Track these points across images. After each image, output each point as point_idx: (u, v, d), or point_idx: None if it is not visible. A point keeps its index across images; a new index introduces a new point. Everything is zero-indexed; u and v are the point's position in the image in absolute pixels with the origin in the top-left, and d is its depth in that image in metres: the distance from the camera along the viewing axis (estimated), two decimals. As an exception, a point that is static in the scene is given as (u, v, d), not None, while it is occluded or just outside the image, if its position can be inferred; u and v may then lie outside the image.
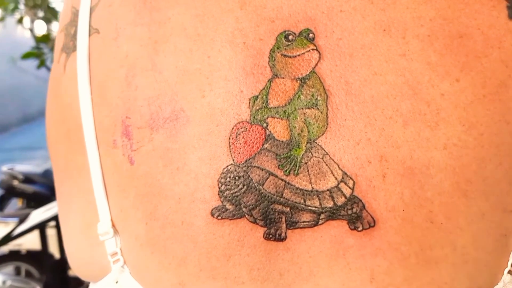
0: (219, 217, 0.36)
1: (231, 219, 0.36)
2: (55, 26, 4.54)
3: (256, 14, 0.36)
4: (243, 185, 0.35)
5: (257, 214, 0.35)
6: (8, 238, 2.82)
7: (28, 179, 4.09)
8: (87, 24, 0.46)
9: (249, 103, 0.35)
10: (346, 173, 0.34)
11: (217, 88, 0.36)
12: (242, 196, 0.35)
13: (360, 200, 0.34)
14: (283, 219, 0.35)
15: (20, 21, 4.50)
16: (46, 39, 4.25)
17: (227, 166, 0.35)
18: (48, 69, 4.36)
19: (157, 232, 0.39)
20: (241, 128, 0.35)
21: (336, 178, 0.34)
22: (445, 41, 0.34)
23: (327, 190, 0.34)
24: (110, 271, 0.43)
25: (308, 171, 0.34)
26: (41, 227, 2.91)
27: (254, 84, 0.35)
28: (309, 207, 0.34)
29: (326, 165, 0.34)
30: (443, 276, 0.34)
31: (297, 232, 0.35)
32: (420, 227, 0.34)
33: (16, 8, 4.46)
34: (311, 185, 0.34)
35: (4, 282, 2.94)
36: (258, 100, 0.35)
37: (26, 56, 3.47)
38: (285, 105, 0.35)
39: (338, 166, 0.34)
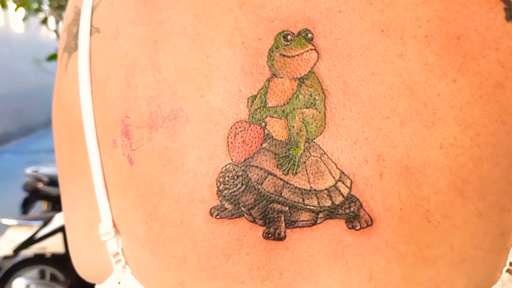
0: (218, 217, 0.36)
1: (230, 219, 0.36)
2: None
3: (255, 14, 0.37)
4: (242, 185, 0.35)
5: (256, 214, 0.35)
6: (31, 240, 2.86)
7: (53, 181, 4.12)
8: (89, 24, 0.46)
9: (248, 102, 0.35)
10: (343, 172, 0.34)
11: (216, 87, 0.36)
12: (241, 196, 0.35)
13: (358, 199, 0.34)
14: (282, 218, 0.35)
15: (44, 21, 4.54)
16: (71, 40, 4.28)
17: (226, 165, 0.36)
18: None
19: (156, 232, 0.39)
20: (240, 127, 0.35)
21: (334, 177, 0.34)
22: (442, 42, 0.34)
23: (325, 189, 0.34)
24: (113, 271, 0.43)
25: (306, 170, 0.34)
26: (64, 230, 2.92)
27: (252, 83, 0.36)
28: (308, 206, 0.34)
29: (324, 164, 0.34)
30: (441, 274, 0.34)
31: (296, 231, 0.35)
32: (418, 226, 0.34)
33: (39, 8, 4.50)
34: (310, 184, 0.34)
35: (27, 286, 2.96)
36: (256, 99, 0.35)
37: (52, 57, 3.51)
38: (284, 104, 0.35)
39: (336, 166, 0.34)
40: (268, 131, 0.35)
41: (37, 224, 3.03)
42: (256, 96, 0.35)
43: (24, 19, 4.64)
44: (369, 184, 0.34)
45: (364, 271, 0.35)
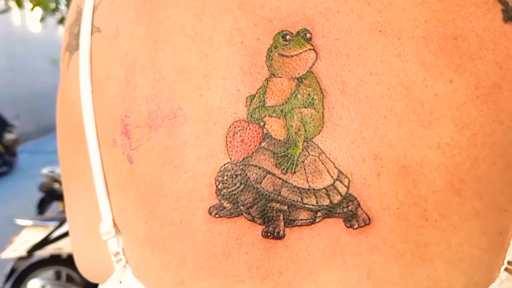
0: (216, 216, 0.36)
1: (229, 218, 0.36)
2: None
3: (254, 13, 0.37)
4: (241, 184, 0.35)
5: (255, 212, 0.35)
6: (46, 241, 2.87)
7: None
8: (90, 23, 0.47)
9: (247, 102, 0.36)
10: (341, 172, 0.34)
11: (215, 86, 0.37)
12: (240, 195, 0.35)
13: (355, 198, 0.34)
14: (281, 217, 0.35)
15: (61, 21, 4.56)
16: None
17: (225, 164, 0.36)
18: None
19: (156, 231, 0.39)
20: (238, 126, 0.36)
21: (332, 177, 0.34)
22: (439, 42, 0.34)
23: (324, 188, 0.34)
24: (114, 271, 0.43)
25: (305, 169, 0.34)
26: None
27: (251, 83, 0.36)
28: (306, 205, 0.35)
29: (322, 163, 0.34)
30: (438, 273, 0.34)
31: (295, 230, 0.35)
32: (415, 225, 0.34)
33: (57, 8, 4.53)
34: (308, 183, 0.35)
35: (43, 287, 2.98)
36: (255, 99, 0.35)
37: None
38: (282, 104, 0.35)
39: (334, 165, 0.34)
40: (267, 130, 0.35)
41: (52, 225, 3.04)
42: (255, 95, 0.36)
43: (42, 19, 4.67)
44: (366, 183, 0.34)
45: (362, 270, 0.35)
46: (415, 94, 0.34)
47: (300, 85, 0.35)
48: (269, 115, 0.35)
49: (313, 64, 0.35)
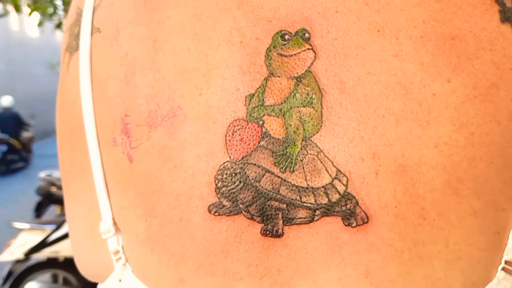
0: (216, 214, 0.36)
1: (228, 216, 0.36)
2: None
3: (253, 13, 0.37)
4: (240, 182, 0.36)
5: (254, 211, 0.36)
6: (43, 244, 2.87)
7: (66, 185, 4.14)
8: (90, 24, 0.47)
9: (246, 101, 0.36)
10: (340, 170, 0.34)
11: (214, 86, 0.37)
12: (239, 193, 0.36)
13: (354, 197, 0.34)
14: (280, 216, 0.35)
15: (58, 26, 4.57)
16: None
17: (224, 163, 0.36)
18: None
19: (156, 229, 0.39)
20: (238, 125, 0.36)
21: (330, 175, 0.34)
22: (437, 42, 0.34)
23: (322, 186, 0.35)
24: (114, 270, 0.44)
25: (303, 168, 0.35)
26: None
27: (250, 82, 0.36)
28: (305, 204, 0.35)
29: (321, 162, 0.34)
30: (436, 272, 0.34)
31: (293, 228, 0.36)
32: (413, 223, 0.34)
33: (54, 13, 4.54)
34: (307, 182, 0.35)
35: (39, 291, 2.98)
36: (254, 98, 0.36)
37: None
38: (281, 103, 0.35)
39: (332, 163, 0.34)
40: (266, 129, 0.35)
41: (49, 228, 3.04)
42: (254, 94, 0.36)
43: (39, 24, 4.69)
44: (365, 182, 0.34)
45: (360, 268, 0.35)
46: (413, 94, 0.34)
47: (298, 85, 0.35)
48: (268, 114, 0.35)
49: (312, 63, 0.35)
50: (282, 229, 0.36)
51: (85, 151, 0.46)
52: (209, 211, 0.37)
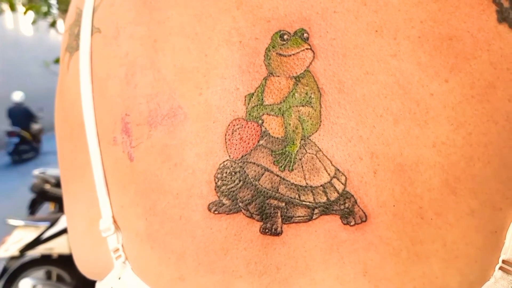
0: (216, 212, 0.37)
1: (227, 214, 0.37)
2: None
3: (252, 14, 0.37)
4: (239, 181, 0.36)
5: (253, 209, 0.36)
6: (37, 241, 2.87)
7: (60, 183, 4.14)
8: (90, 24, 0.47)
9: (245, 100, 0.36)
10: (338, 169, 0.35)
11: (214, 85, 0.37)
12: (239, 191, 0.36)
13: (352, 196, 0.34)
14: (279, 214, 0.36)
15: (52, 24, 4.57)
16: (79, 43, 4.30)
17: (224, 161, 0.36)
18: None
19: (156, 227, 0.40)
20: (237, 124, 0.36)
21: (329, 174, 0.35)
22: (435, 42, 0.34)
23: (321, 185, 0.35)
24: (113, 267, 0.44)
25: (302, 167, 0.35)
26: None
27: (250, 82, 0.36)
28: (304, 202, 0.35)
29: (320, 161, 0.35)
30: (434, 270, 0.35)
31: (292, 227, 0.36)
32: (411, 222, 0.34)
33: (49, 12, 4.54)
34: (305, 181, 0.35)
35: (34, 287, 2.98)
36: (253, 97, 0.36)
37: (59, 60, 3.53)
38: (280, 102, 0.35)
39: (331, 162, 0.35)
40: (265, 128, 0.36)
41: (44, 225, 3.04)
42: (253, 94, 0.36)
43: (34, 22, 4.68)
44: (363, 181, 0.34)
45: (359, 266, 0.35)
46: (411, 94, 0.34)
47: (297, 84, 0.35)
48: (267, 114, 0.36)
49: (310, 63, 0.36)
50: (281, 228, 0.36)
51: (85, 150, 0.46)
52: (209, 210, 0.37)
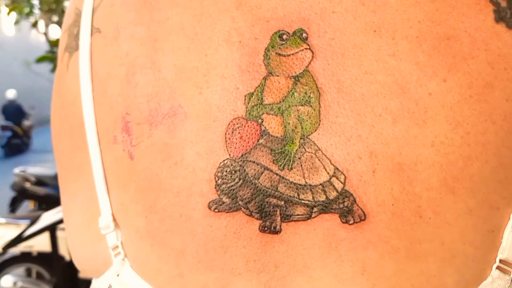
0: (216, 210, 0.37)
1: (227, 212, 0.37)
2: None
3: (251, 14, 0.38)
4: (239, 179, 0.36)
5: (253, 207, 0.36)
6: (19, 239, 2.85)
7: (40, 181, 4.13)
8: (89, 24, 0.47)
9: (245, 99, 0.36)
10: (337, 168, 0.35)
11: (214, 85, 0.37)
12: (239, 190, 0.36)
13: (351, 194, 0.35)
14: (278, 212, 0.36)
15: (34, 25, 4.55)
16: (60, 43, 4.28)
17: (224, 160, 0.36)
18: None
19: (156, 225, 0.40)
20: (237, 123, 0.36)
21: (328, 173, 0.35)
22: (433, 42, 0.35)
23: (320, 184, 0.35)
24: (112, 264, 0.44)
25: (301, 166, 0.35)
26: (51, 229, 2.93)
27: (249, 81, 0.36)
28: (303, 201, 0.35)
29: (319, 160, 0.35)
30: (431, 269, 0.35)
31: (291, 225, 0.36)
32: (409, 221, 0.34)
33: (31, 12, 4.52)
34: (305, 180, 0.35)
35: (15, 284, 2.97)
36: (253, 97, 0.36)
37: (41, 59, 3.50)
38: (280, 102, 0.36)
39: (330, 161, 0.35)
40: (265, 127, 0.36)
41: (24, 223, 3.03)
42: (253, 93, 0.36)
43: (16, 22, 4.66)
44: (362, 180, 0.35)
45: (357, 265, 0.35)
46: (410, 93, 0.34)
47: (297, 84, 0.36)
48: (267, 113, 0.36)
49: (310, 63, 0.36)
50: (280, 226, 0.36)
51: (85, 149, 0.46)
52: (209, 208, 0.37)
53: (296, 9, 0.37)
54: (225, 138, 0.36)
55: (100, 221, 0.44)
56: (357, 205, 0.35)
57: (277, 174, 0.36)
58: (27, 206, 4.52)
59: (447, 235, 0.35)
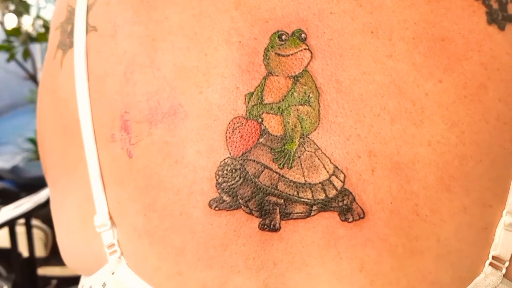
0: (216, 208, 0.37)
1: (228, 210, 0.37)
2: (26, 20, 4.50)
3: (250, 14, 0.38)
4: (240, 178, 0.36)
5: (253, 206, 0.36)
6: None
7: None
8: (84, 22, 0.47)
9: (245, 99, 0.37)
10: (337, 167, 0.35)
11: (214, 84, 0.37)
12: (239, 188, 0.36)
13: (351, 193, 0.35)
14: (277, 211, 0.36)
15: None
16: (17, 32, 4.18)
17: (224, 159, 0.37)
18: (18, 63, 4.28)
19: (155, 223, 0.40)
20: (237, 123, 0.36)
21: (327, 172, 0.35)
22: (428, 43, 0.35)
23: (319, 183, 0.35)
24: (106, 263, 0.44)
25: (301, 164, 0.36)
26: (10, 224, 2.84)
27: (249, 81, 0.37)
28: (302, 199, 0.36)
29: (318, 159, 0.35)
30: (427, 265, 0.35)
31: (290, 223, 0.36)
32: (407, 219, 0.35)
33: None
34: (304, 178, 0.36)
35: (-27, 281, 2.90)
36: (253, 96, 0.36)
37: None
38: (279, 101, 0.36)
39: (330, 160, 0.35)
40: (265, 126, 0.36)
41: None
42: (253, 93, 0.36)
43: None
44: (361, 179, 0.35)
45: (355, 262, 0.36)
46: (407, 93, 0.35)
47: (296, 83, 0.36)
48: (266, 112, 0.36)
49: (309, 63, 0.36)
50: (279, 224, 0.36)
51: (79, 146, 0.45)
52: (210, 206, 0.37)
53: (294, 10, 0.37)
54: (226, 137, 0.37)
55: (95, 219, 0.44)
56: (356, 203, 0.35)
57: (277, 173, 0.36)
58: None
59: (442, 232, 0.35)
